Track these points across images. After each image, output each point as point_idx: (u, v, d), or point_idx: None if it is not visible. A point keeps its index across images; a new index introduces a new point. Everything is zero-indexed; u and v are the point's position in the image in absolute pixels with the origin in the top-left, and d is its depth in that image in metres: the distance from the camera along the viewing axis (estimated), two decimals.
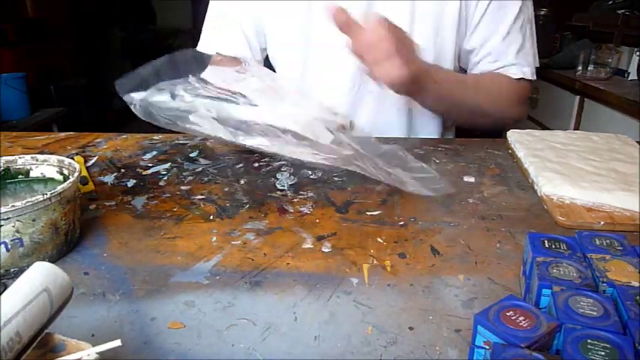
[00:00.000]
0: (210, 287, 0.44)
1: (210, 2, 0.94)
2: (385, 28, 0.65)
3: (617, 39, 1.82)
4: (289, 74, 0.94)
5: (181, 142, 0.83)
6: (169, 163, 0.73)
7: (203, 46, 0.94)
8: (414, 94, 0.78)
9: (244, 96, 0.63)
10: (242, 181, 0.67)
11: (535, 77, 0.88)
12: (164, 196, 0.62)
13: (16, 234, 0.43)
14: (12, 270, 0.44)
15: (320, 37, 0.88)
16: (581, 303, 0.33)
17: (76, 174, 0.49)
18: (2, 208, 0.42)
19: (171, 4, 4.94)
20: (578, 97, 1.74)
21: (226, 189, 0.65)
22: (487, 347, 0.32)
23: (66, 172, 0.53)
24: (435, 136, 0.95)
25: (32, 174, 0.55)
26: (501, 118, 0.94)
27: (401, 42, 0.66)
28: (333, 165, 0.59)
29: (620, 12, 1.81)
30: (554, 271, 0.37)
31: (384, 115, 0.90)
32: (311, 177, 0.68)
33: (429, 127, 0.94)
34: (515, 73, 0.86)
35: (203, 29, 0.96)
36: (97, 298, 0.42)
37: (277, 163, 0.72)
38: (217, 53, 0.90)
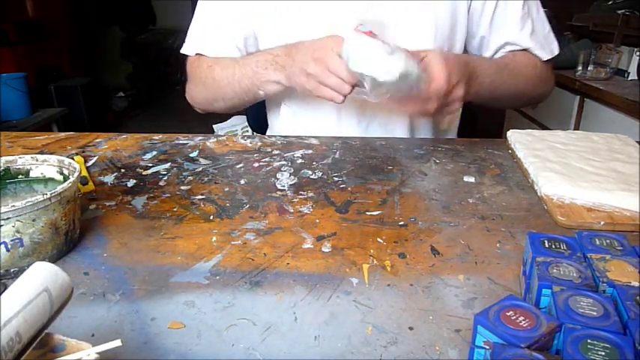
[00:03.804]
0: (210, 287, 0.44)
1: (198, 3, 0.92)
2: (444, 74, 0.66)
3: (617, 39, 1.82)
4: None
5: (181, 142, 0.83)
6: (169, 163, 0.73)
7: (188, 47, 0.93)
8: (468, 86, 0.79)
9: None
10: (242, 181, 0.67)
11: (557, 51, 0.90)
12: (164, 196, 0.62)
13: (16, 234, 0.43)
14: (12, 270, 0.44)
15: (314, 38, 0.88)
16: (581, 303, 0.33)
17: (76, 174, 0.49)
18: (2, 208, 0.42)
19: (171, 4, 4.95)
20: (578, 97, 1.74)
21: (226, 189, 0.65)
22: (487, 347, 0.31)
23: (66, 172, 0.53)
24: (436, 132, 0.95)
25: (32, 174, 0.55)
26: (535, 97, 0.94)
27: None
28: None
29: (620, 12, 1.81)
30: (554, 271, 0.37)
31: (386, 112, 0.89)
32: (311, 177, 0.68)
33: (429, 123, 0.93)
34: (540, 54, 0.87)
35: (189, 31, 0.94)
36: (97, 298, 0.42)
37: (277, 163, 0.72)
38: (197, 54, 0.92)
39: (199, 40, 0.93)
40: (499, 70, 0.83)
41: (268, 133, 1.02)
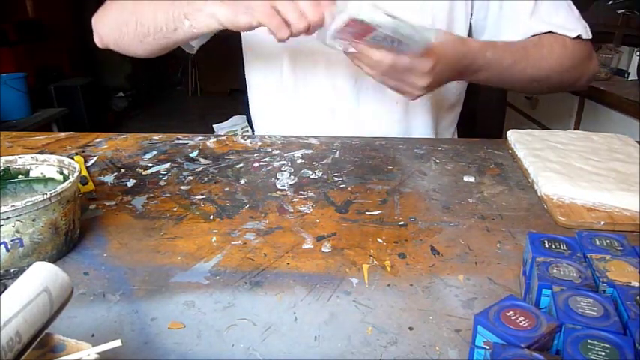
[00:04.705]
0: (210, 287, 0.44)
1: None
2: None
3: (617, 39, 1.82)
4: (277, 72, 0.88)
5: (181, 142, 0.83)
6: (169, 163, 0.73)
7: None
8: (459, 78, 0.77)
9: None
10: (242, 181, 0.67)
11: (589, 35, 0.82)
12: (164, 196, 0.62)
13: (16, 234, 0.43)
14: (12, 270, 0.44)
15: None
16: (581, 303, 0.33)
17: (76, 174, 0.49)
18: (2, 208, 0.42)
19: None
20: (578, 97, 1.74)
21: (226, 189, 0.65)
22: (487, 347, 0.32)
23: (66, 172, 0.53)
24: (435, 127, 0.94)
25: (32, 174, 0.55)
26: (571, 79, 0.85)
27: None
28: None
29: (620, 12, 1.81)
30: (554, 271, 0.37)
31: (384, 110, 0.89)
32: (311, 177, 0.68)
33: (424, 124, 0.92)
34: (565, 33, 0.80)
35: None
36: (97, 298, 0.43)
37: (277, 163, 0.72)
38: None
39: None
40: (514, 54, 0.77)
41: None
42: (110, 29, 0.76)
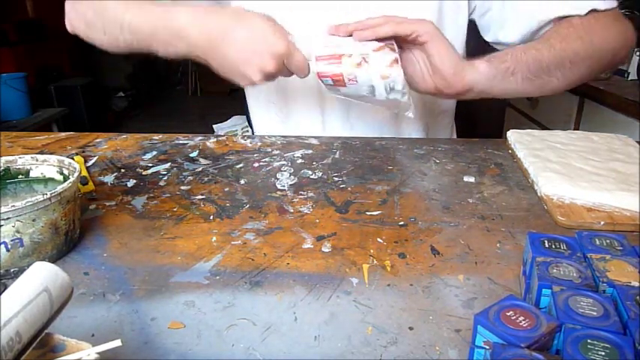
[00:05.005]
0: (210, 287, 0.44)
1: None
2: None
3: None
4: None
5: (181, 142, 0.83)
6: (169, 163, 0.73)
7: None
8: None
9: None
10: (242, 181, 0.67)
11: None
12: (164, 196, 0.62)
13: (16, 234, 0.43)
14: (12, 270, 0.44)
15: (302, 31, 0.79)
16: (581, 303, 0.33)
17: (76, 174, 0.49)
18: (2, 208, 0.42)
19: None
20: (578, 97, 1.74)
21: (226, 189, 0.65)
22: (487, 347, 0.31)
23: (66, 172, 0.53)
24: (426, 132, 0.92)
25: (32, 174, 0.55)
26: (607, 58, 0.74)
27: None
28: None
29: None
30: (554, 271, 0.37)
31: (372, 115, 0.88)
32: (311, 177, 0.68)
33: (416, 130, 0.91)
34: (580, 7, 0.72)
35: None
36: (97, 298, 0.42)
37: (277, 163, 0.72)
38: None
39: None
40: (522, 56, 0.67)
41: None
42: (84, 23, 0.72)
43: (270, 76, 0.61)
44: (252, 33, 0.59)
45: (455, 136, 1.01)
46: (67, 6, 0.74)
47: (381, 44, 0.61)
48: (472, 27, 0.86)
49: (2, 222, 0.42)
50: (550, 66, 0.68)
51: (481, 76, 0.66)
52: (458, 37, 0.82)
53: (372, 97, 0.62)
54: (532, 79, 0.68)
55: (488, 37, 0.83)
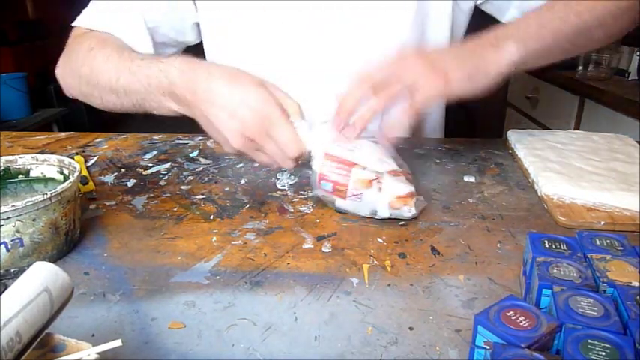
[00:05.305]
0: (211, 287, 0.44)
1: None
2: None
3: None
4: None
5: (181, 142, 0.83)
6: (169, 163, 0.73)
7: (80, 18, 0.74)
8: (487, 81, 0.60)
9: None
10: (242, 181, 0.67)
11: None
12: (164, 196, 0.62)
13: (17, 234, 0.43)
14: (12, 270, 0.44)
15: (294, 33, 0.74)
16: (582, 303, 0.33)
17: (76, 174, 0.49)
18: (2, 208, 0.42)
19: None
20: (578, 97, 1.74)
21: (226, 189, 0.65)
22: (487, 347, 0.31)
23: (66, 172, 0.53)
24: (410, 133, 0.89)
25: (32, 174, 0.55)
26: (612, 27, 0.68)
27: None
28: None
29: None
30: (555, 271, 0.37)
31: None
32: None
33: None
34: None
35: (90, 4, 0.74)
36: (97, 298, 0.42)
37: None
38: (89, 29, 0.72)
39: (96, 11, 0.72)
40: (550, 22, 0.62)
41: None
42: (74, 91, 0.72)
43: (250, 145, 0.54)
44: (237, 95, 0.53)
45: (443, 136, 0.98)
46: (57, 74, 0.73)
47: (398, 169, 0.56)
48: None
49: (2, 222, 0.42)
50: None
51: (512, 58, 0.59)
52: (443, 23, 0.78)
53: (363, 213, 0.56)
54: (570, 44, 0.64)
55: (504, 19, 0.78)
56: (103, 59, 0.65)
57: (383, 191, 0.53)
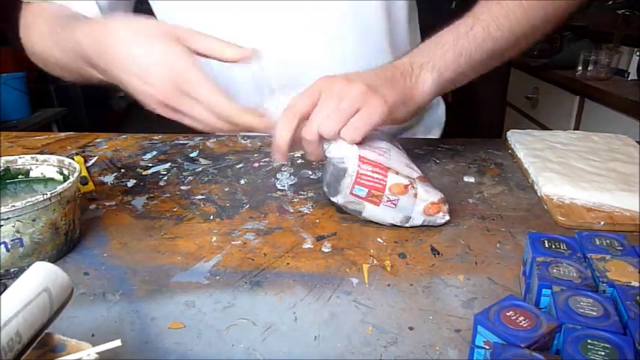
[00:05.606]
0: (210, 287, 0.44)
1: None
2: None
3: (617, 39, 1.82)
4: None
5: (181, 142, 0.83)
6: (169, 163, 0.73)
7: None
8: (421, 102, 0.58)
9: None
10: (242, 181, 0.67)
11: None
12: (164, 196, 0.62)
13: (16, 234, 0.43)
14: (12, 270, 0.44)
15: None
16: (581, 303, 0.33)
17: (76, 174, 0.49)
18: (2, 208, 0.42)
19: None
20: (578, 97, 1.74)
21: (226, 189, 0.65)
22: (487, 347, 0.32)
23: (66, 172, 0.53)
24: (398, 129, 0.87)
25: (32, 174, 0.55)
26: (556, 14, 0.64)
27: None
28: None
29: (620, 12, 1.81)
30: (554, 271, 0.37)
31: None
32: (311, 177, 0.68)
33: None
34: None
35: None
36: (97, 298, 0.43)
37: (277, 163, 0.72)
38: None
39: None
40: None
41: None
42: (38, 56, 0.71)
43: (171, 110, 0.50)
44: (144, 56, 0.48)
45: (443, 136, 0.98)
46: (23, 39, 0.72)
47: (422, 174, 0.54)
48: None
49: (2, 222, 0.42)
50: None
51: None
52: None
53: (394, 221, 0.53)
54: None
55: None
56: (38, 37, 0.64)
57: (419, 197, 0.51)
